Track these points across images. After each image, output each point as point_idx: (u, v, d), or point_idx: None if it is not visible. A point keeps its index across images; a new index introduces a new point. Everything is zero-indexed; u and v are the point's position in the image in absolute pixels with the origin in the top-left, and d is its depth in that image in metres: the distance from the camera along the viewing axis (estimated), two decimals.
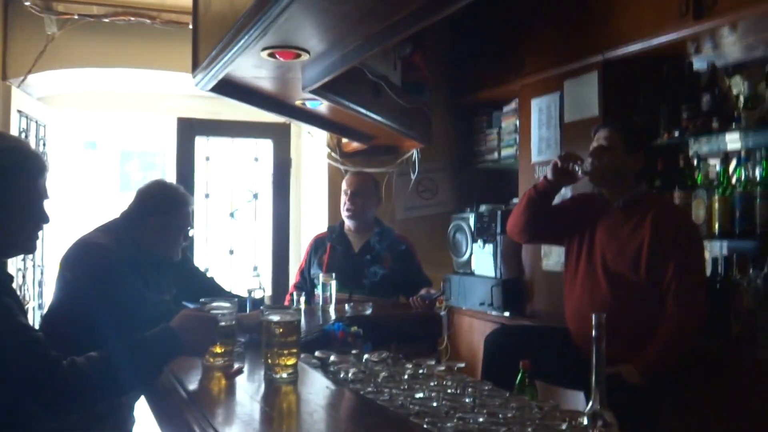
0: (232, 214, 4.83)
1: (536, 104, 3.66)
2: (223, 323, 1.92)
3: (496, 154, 4.20)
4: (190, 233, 2.77)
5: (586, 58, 3.28)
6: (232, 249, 4.79)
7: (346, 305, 3.00)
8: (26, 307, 3.92)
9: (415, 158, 4.39)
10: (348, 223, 3.59)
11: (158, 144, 8.80)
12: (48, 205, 1.82)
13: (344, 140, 4.35)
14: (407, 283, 3.50)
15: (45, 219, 1.81)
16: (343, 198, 3.58)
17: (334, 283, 3.06)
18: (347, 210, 3.55)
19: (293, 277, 4.78)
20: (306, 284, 3.54)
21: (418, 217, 4.53)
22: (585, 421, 1.37)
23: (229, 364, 1.97)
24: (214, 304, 1.96)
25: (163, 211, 2.55)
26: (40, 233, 1.85)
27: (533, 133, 3.68)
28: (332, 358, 2.07)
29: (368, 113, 3.11)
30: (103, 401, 1.69)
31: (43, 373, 1.55)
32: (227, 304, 1.99)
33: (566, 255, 2.84)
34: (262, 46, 2.11)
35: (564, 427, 1.33)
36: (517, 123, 3.90)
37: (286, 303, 3.53)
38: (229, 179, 4.84)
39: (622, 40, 3.07)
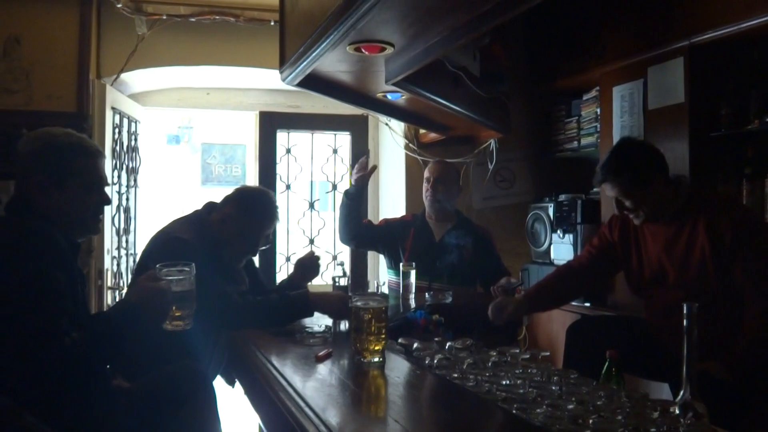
0: (311, 205, 4.94)
1: (618, 92, 3.60)
2: (177, 288, 1.89)
3: (575, 143, 4.14)
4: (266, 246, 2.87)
5: (671, 44, 3.19)
6: (313, 238, 4.91)
7: (427, 294, 3.04)
8: (122, 292, 4.15)
9: (492, 148, 4.38)
10: (429, 211, 3.61)
11: (239, 137, 9.06)
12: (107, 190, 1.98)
13: (422, 131, 4.38)
14: (486, 273, 3.50)
15: (107, 200, 1.97)
16: (425, 185, 3.59)
17: (414, 272, 3.11)
18: (429, 197, 3.58)
19: (373, 268, 4.88)
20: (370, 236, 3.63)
21: (496, 206, 4.52)
22: (676, 411, 1.38)
23: (188, 326, 1.94)
24: (165, 270, 1.93)
25: (252, 220, 2.68)
26: (101, 216, 1.99)
27: (615, 121, 3.62)
28: (416, 344, 2.13)
29: (448, 104, 3.13)
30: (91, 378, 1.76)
31: (46, 342, 1.60)
32: (184, 268, 1.96)
33: (625, 274, 2.81)
34: (349, 41, 2.17)
35: (656, 415, 1.33)
36: (598, 111, 3.84)
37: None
38: (309, 171, 4.96)
39: (710, 23, 2.98)
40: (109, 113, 4.12)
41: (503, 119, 3.97)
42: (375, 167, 3.73)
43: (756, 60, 3.04)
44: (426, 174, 3.60)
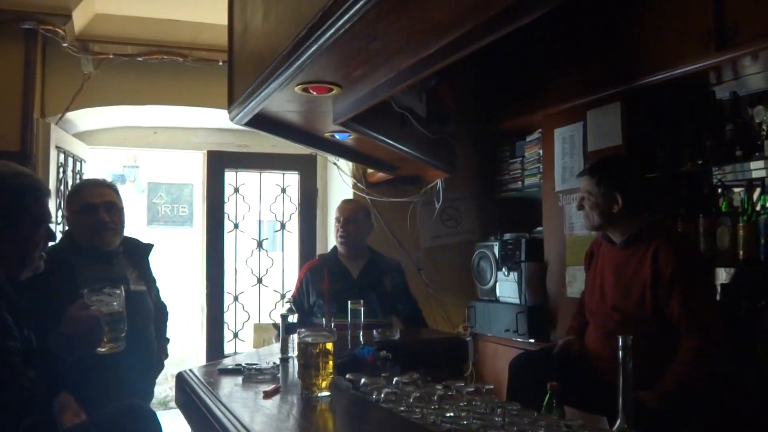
0: (260, 244, 4.92)
1: (559, 134, 3.73)
2: (107, 311, 1.94)
3: (519, 183, 4.26)
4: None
5: (608, 88, 3.34)
6: (261, 278, 4.88)
7: (374, 330, 3.06)
8: None
9: (439, 187, 4.46)
10: (341, 250, 3.68)
11: (186, 176, 8.98)
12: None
13: (370, 171, 4.44)
14: (401, 303, 3.60)
15: (53, 237, 1.96)
16: (336, 225, 3.67)
17: (362, 309, 3.12)
18: (341, 237, 3.63)
19: None
20: (304, 314, 3.58)
21: (443, 245, 4.59)
22: None
23: (121, 347, 2.02)
24: (93, 296, 1.95)
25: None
26: (44, 254, 1.97)
27: (556, 162, 3.74)
28: (363, 380, 2.13)
29: (394, 144, 3.20)
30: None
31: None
32: (114, 291, 1.99)
33: (584, 293, 2.92)
34: (298, 82, 2.21)
35: None
36: (541, 152, 3.97)
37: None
38: (257, 210, 4.95)
39: (645, 70, 3.13)
40: (53, 152, 4.06)
41: (449, 159, 4.06)
42: None
43: (689, 105, 3.20)
44: (336, 214, 3.68)
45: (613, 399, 1.52)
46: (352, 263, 3.65)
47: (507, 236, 4.05)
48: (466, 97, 4.47)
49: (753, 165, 2.91)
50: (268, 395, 1.99)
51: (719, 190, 3.10)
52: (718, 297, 2.92)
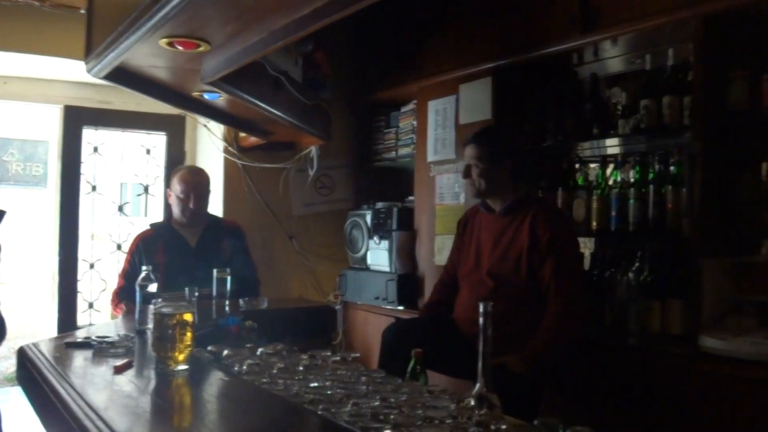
0: (121, 208, 4.66)
1: (433, 106, 3.78)
2: None
3: (393, 153, 4.29)
4: None
5: (480, 64, 3.42)
6: (120, 244, 4.63)
7: (240, 300, 2.99)
8: None
9: (313, 155, 4.41)
10: (181, 219, 3.46)
11: (41, 133, 8.33)
12: None
13: (242, 134, 4.31)
14: (241, 268, 3.47)
15: None
16: (181, 197, 3.41)
17: (229, 278, 3.02)
18: (191, 212, 3.42)
19: None
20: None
21: (315, 213, 4.56)
22: (471, 402, 1.46)
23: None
24: None
25: None
26: None
27: (429, 134, 3.80)
28: (226, 352, 2.08)
29: (268, 108, 3.10)
30: None
31: None
32: None
33: (459, 260, 2.98)
34: (162, 35, 2.08)
35: (452, 408, 1.40)
36: (415, 123, 4.01)
37: (116, 311, 3.38)
38: (119, 172, 4.67)
39: (515, 48, 3.23)
40: None
41: (325, 127, 4.01)
42: None
43: (553, 83, 3.34)
44: (184, 187, 3.43)
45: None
46: (188, 231, 3.46)
47: (379, 205, 4.08)
48: (343, 64, 4.42)
49: (608, 142, 3.09)
50: (119, 370, 1.88)
51: (577, 165, 3.27)
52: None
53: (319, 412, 1.44)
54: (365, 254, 4.12)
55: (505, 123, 3.32)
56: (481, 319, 1.56)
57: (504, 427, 1.31)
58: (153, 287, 2.54)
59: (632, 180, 2.91)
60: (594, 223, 3.01)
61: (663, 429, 2.49)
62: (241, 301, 2.91)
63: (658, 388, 2.53)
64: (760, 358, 2.27)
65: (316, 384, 1.66)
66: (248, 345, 2.21)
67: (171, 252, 3.34)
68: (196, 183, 3.47)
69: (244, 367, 1.87)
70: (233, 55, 2.38)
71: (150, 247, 3.38)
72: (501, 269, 2.72)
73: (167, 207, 4.39)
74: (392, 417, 1.34)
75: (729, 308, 2.58)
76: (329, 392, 1.58)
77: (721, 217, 2.55)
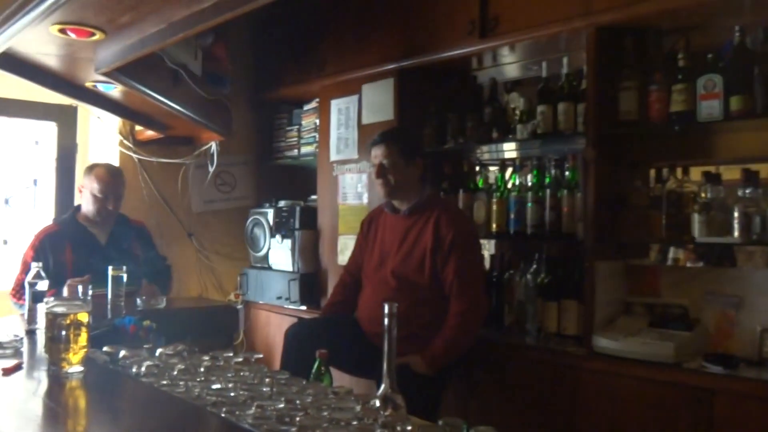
0: (6, 201, 4.38)
1: (335, 105, 3.78)
2: None
3: (296, 151, 4.26)
4: None
5: (383, 65, 3.45)
6: (6, 239, 4.34)
7: (137, 299, 2.88)
8: None
9: (213, 151, 4.30)
10: (93, 217, 3.32)
11: None
12: None
13: (138, 128, 4.14)
14: (151, 266, 3.41)
15: None
16: (95, 195, 3.26)
17: (125, 275, 2.91)
18: (107, 211, 3.28)
19: None
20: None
21: (216, 210, 4.46)
22: (377, 404, 1.47)
23: None
24: None
25: None
26: None
27: (332, 133, 3.79)
28: (123, 353, 1.99)
29: (165, 101, 3.02)
30: None
31: None
32: None
33: (362, 259, 2.99)
34: (53, 21, 1.97)
35: (358, 409, 1.41)
36: (317, 122, 3.99)
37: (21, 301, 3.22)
38: (5, 163, 4.38)
39: (418, 50, 3.28)
40: None
41: (225, 122, 3.92)
42: None
43: (453, 87, 3.41)
44: (97, 184, 3.26)
45: (380, 363, 1.57)
46: (98, 229, 3.32)
47: (282, 203, 4.03)
48: (244, 59, 4.36)
49: (506, 146, 3.18)
50: (7, 372, 1.77)
51: (477, 168, 3.36)
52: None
53: (223, 415, 1.40)
54: (267, 253, 4.06)
55: (408, 124, 3.37)
56: (386, 320, 1.57)
57: (409, 428, 1.33)
58: (43, 285, 2.41)
59: (530, 184, 3.01)
60: (494, 225, 3.10)
61: (559, 424, 2.60)
62: (138, 301, 2.81)
63: (555, 386, 2.64)
64: (649, 357, 2.40)
65: (218, 386, 1.62)
66: (146, 346, 2.13)
67: (81, 250, 3.18)
68: (116, 184, 3.32)
69: (143, 369, 1.80)
70: (130, 45, 2.29)
71: (56, 244, 3.20)
72: (405, 269, 2.75)
73: (66, 202, 4.18)
74: (298, 419, 1.33)
75: (620, 310, 2.72)
76: (232, 394, 1.54)
77: (613, 221, 2.68)
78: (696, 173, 2.65)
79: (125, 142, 4.15)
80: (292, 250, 3.87)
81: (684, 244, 2.57)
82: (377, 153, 2.82)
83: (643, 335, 2.51)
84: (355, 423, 1.31)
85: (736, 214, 2.40)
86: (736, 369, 2.28)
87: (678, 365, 2.35)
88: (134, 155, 4.15)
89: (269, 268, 4.06)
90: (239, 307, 3.58)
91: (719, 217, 2.47)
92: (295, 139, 4.26)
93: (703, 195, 2.54)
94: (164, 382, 1.70)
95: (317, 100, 4.00)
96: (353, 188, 3.64)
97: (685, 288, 2.68)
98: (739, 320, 2.48)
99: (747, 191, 2.44)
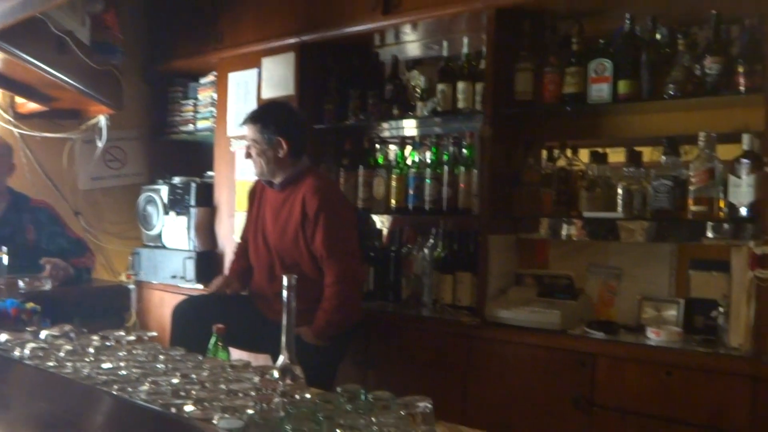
0: None
1: (234, 78, 3.69)
2: None
3: (191, 126, 4.13)
4: None
5: (283, 38, 3.39)
6: None
7: (20, 281, 2.73)
8: None
9: (102, 125, 4.10)
10: None
11: None
12: None
13: (19, 100, 3.88)
14: (58, 250, 3.26)
15: None
16: None
17: (5, 257, 2.74)
18: None
19: None
20: None
21: (105, 187, 4.26)
22: (276, 375, 1.46)
23: None
24: None
25: None
26: None
27: (230, 107, 3.70)
28: (4, 336, 1.88)
29: (50, 70, 2.83)
30: None
31: None
32: None
33: (243, 235, 2.97)
34: None
35: (256, 380, 1.40)
36: (214, 96, 3.88)
37: None
38: None
39: (320, 25, 3.25)
40: None
41: (115, 94, 3.74)
42: None
43: (355, 63, 3.40)
44: None
45: (277, 337, 1.56)
46: None
47: (176, 180, 3.91)
48: (137, 29, 4.18)
49: (406, 123, 3.22)
50: None
51: (377, 145, 3.38)
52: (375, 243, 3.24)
53: (114, 393, 1.35)
54: (161, 231, 3.93)
55: (309, 100, 3.34)
56: (284, 292, 1.56)
57: (308, 396, 1.33)
58: None
59: (429, 161, 3.06)
60: (393, 201, 3.14)
61: (455, 390, 2.68)
62: (20, 282, 2.66)
63: (450, 354, 2.72)
64: (538, 325, 2.53)
65: (109, 365, 1.56)
66: (29, 329, 2.02)
67: None
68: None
69: (27, 352, 1.71)
70: (9, 8, 2.13)
71: None
72: (283, 244, 2.75)
73: None
74: (194, 393, 1.30)
75: (511, 281, 2.85)
76: (124, 372, 1.49)
77: (506, 197, 2.77)
78: (585, 154, 2.78)
79: (4, 115, 3.88)
80: (188, 227, 3.77)
81: (572, 219, 2.70)
82: (246, 133, 2.80)
83: (532, 305, 2.63)
84: (253, 393, 1.30)
85: (619, 191, 2.55)
86: (616, 335, 2.45)
87: (564, 332, 2.50)
88: (15, 129, 3.88)
89: (163, 246, 3.93)
90: (131, 287, 3.46)
91: (604, 193, 2.61)
92: (191, 113, 4.13)
93: (590, 173, 2.67)
94: (51, 364, 1.61)
95: (215, 73, 3.89)
96: (249, 164, 3.57)
97: (571, 260, 2.85)
98: (620, 290, 2.65)
99: (630, 170, 2.59)
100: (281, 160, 2.74)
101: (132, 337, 1.88)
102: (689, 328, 2.42)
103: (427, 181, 3.01)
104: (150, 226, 4.00)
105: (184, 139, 4.27)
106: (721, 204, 2.33)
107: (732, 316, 2.24)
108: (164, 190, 3.91)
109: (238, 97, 3.66)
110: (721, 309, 2.31)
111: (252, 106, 3.55)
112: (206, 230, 3.78)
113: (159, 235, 3.95)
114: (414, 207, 3.05)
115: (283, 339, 1.56)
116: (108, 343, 1.82)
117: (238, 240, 3.18)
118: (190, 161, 4.20)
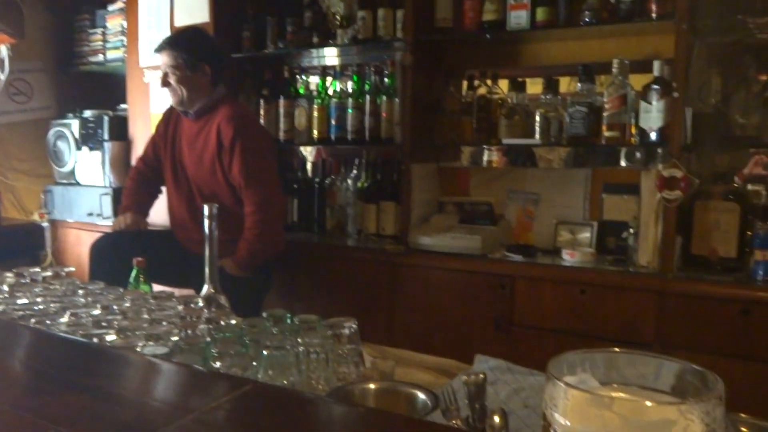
0: None
1: (144, 4, 3.50)
2: None
3: (101, 57, 3.93)
4: None
5: None
6: None
7: None
8: None
9: (4, 56, 3.84)
10: None
11: None
12: None
13: None
14: None
15: None
16: None
17: None
18: None
19: None
20: None
21: (11, 122, 4.03)
22: (200, 303, 1.46)
23: None
24: None
25: None
26: None
27: (141, 36, 3.53)
28: None
29: None
30: None
31: None
32: None
33: (164, 169, 2.86)
34: None
35: (180, 308, 1.39)
36: (124, 24, 3.69)
37: None
38: None
39: None
40: None
41: (15, 21, 3.48)
42: None
43: None
44: None
45: (200, 271, 1.55)
46: None
47: (87, 113, 3.74)
48: None
49: (327, 52, 3.16)
50: None
51: (298, 75, 3.31)
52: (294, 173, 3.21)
53: (32, 326, 1.32)
54: (74, 168, 3.77)
55: (225, 27, 3.22)
56: (206, 221, 1.54)
57: (233, 321, 1.33)
58: None
59: (350, 90, 3.03)
60: (315, 132, 3.10)
61: (381, 316, 2.75)
62: None
63: (376, 282, 2.78)
64: (460, 250, 2.62)
65: (25, 300, 1.51)
66: None
67: None
68: None
69: None
70: None
71: None
72: (200, 174, 2.69)
73: None
74: (116, 323, 1.28)
75: (434, 209, 2.91)
76: (42, 307, 1.45)
77: (428, 126, 2.79)
78: (505, 84, 2.82)
79: None
80: (102, 162, 3.63)
81: (492, 147, 2.75)
82: (162, 61, 2.68)
83: (454, 231, 2.71)
84: (177, 321, 1.29)
85: (537, 119, 2.61)
86: (533, 257, 2.57)
87: (484, 256, 2.59)
88: None
89: (77, 183, 3.78)
90: (45, 225, 3.34)
91: (523, 121, 2.67)
92: (100, 43, 3.92)
93: (509, 101, 2.71)
94: None
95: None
96: (166, 95, 3.44)
97: (491, 187, 2.92)
98: (537, 215, 2.75)
99: (548, 97, 2.64)
100: (203, 88, 2.66)
101: (48, 273, 1.81)
102: (602, 248, 2.55)
103: (349, 110, 2.99)
104: (62, 162, 3.83)
105: (94, 71, 4.06)
106: (633, 130, 2.43)
107: (641, 236, 2.37)
108: (75, 124, 3.73)
109: (149, 24, 3.49)
110: (631, 230, 2.44)
111: (165, 34, 3.40)
112: (122, 165, 3.64)
113: (72, 172, 3.79)
114: (336, 137, 3.03)
115: (207, 270, 1.55)
116: (23, 280, 1.76)
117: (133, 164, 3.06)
118: (102, 94, 4.01)
